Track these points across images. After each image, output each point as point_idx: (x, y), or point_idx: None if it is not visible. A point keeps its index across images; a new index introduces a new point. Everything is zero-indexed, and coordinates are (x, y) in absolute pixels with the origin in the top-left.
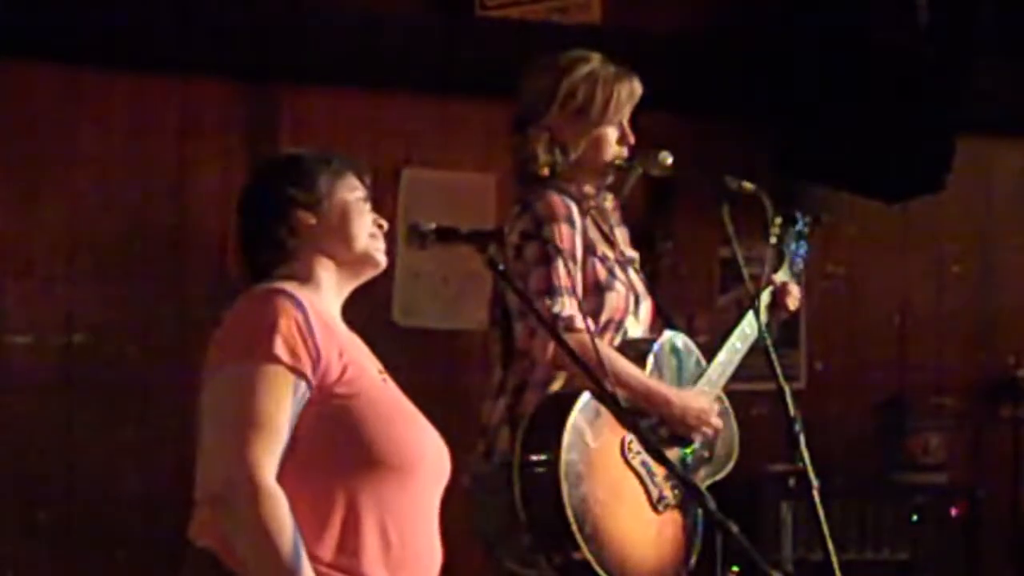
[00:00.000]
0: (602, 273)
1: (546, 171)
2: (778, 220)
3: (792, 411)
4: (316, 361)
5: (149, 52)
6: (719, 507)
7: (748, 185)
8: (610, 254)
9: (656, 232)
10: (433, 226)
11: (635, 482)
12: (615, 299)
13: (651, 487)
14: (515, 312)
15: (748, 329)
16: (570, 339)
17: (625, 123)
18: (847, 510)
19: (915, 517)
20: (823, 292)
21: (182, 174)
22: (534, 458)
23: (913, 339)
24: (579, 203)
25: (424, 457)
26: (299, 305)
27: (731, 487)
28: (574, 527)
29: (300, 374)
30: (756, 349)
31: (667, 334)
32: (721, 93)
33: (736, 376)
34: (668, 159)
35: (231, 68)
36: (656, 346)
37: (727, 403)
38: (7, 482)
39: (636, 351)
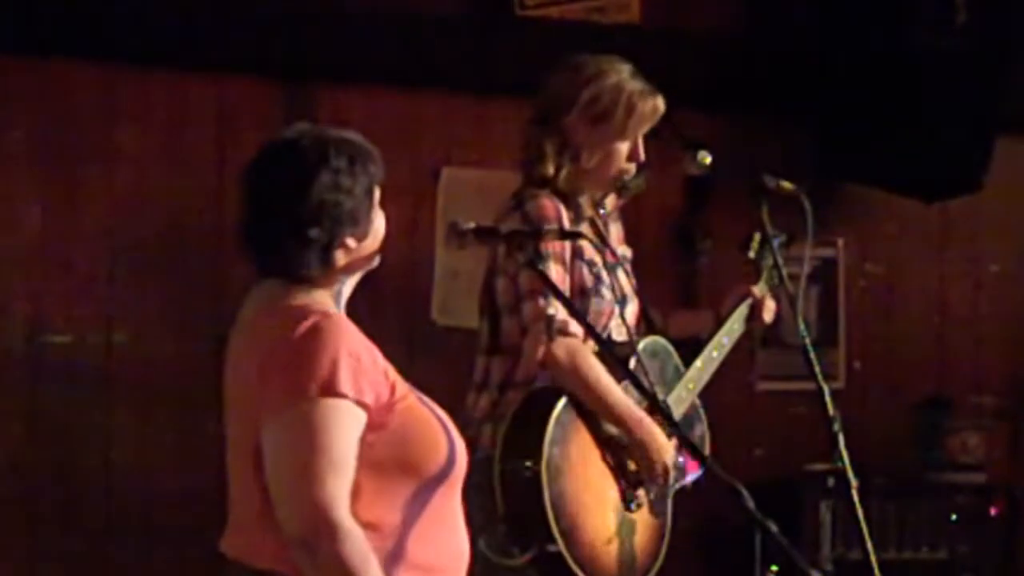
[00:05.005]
0: (588, 278)
1: (551, 170)
2: (756, 236)
3: (831, 410)
4: (371, 387)
5: (187, 50)
6: (758, 506)
7: (786, 184)
8: (598, 259)
9: (694, 231)
10: (472, 225)
11: (610, 481)
12: (599, 305)
13: (626, 487)
14: (504, 307)
15: (726, 340)
16: (561, 343)
17: (640, 140)
18: (886, 509)
19: (954, 516)
20: (861, 291)
21: (220, 172)
22: (517, 450)
23: (952, 338)
24: (572, 209)
25: (462, 461)
26: (348, 330)
27: (770, 486)
28: (552, 520)
29: (363, 405)
30: (795, 347)
31: (649, 338)
32: (760, 92)
33: (774, 375)
34: (707, 158)
35: (269, 66)
36: (639, 349)
37: (701, 409)
38: (46, 480)
39: (619, 354)
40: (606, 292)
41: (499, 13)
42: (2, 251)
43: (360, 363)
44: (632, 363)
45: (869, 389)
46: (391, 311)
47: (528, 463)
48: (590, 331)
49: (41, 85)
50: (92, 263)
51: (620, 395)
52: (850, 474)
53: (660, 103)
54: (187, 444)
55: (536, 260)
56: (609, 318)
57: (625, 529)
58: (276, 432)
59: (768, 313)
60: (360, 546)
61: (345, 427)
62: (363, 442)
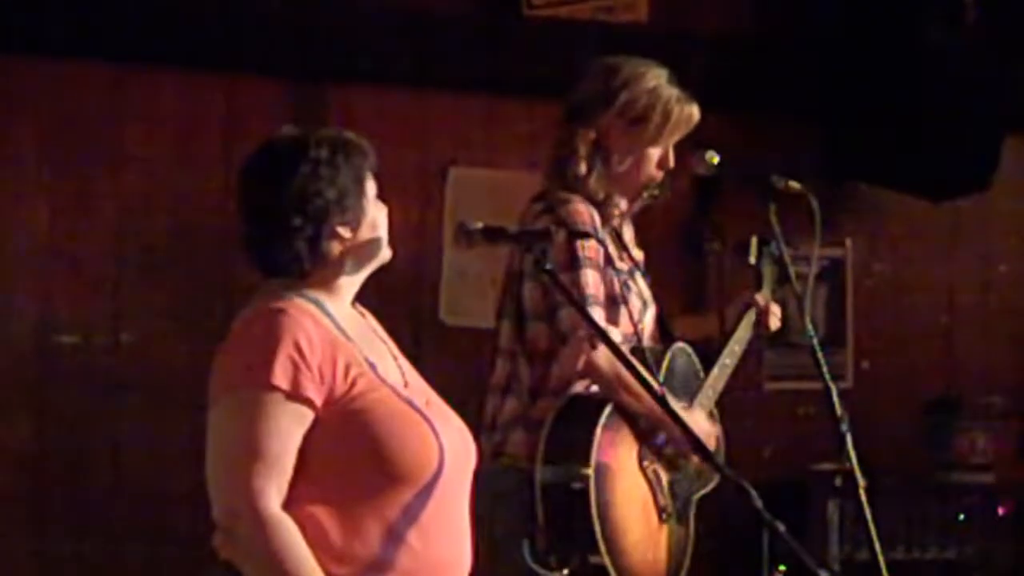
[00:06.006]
0: (617, 286)
1: (583, 170)
2: (754, 240)
3: (839, 410)
4: (319, 382)
5: (196, 50)
6: (766, 506)
7: (795, 185)
8: (623, 266)
9: (702, 231)
10: (480, 225)
11: (647, 491)
12: (628, 313)
13: (659, 497)
14: (532, 312)
15: (737, 348)
16: (602, 352)
17: (671, 148)
18: (894, 509)
19: (962, 516)
20: (869, 291)
21: (229, 172)
22: (562, 458)
23: (960, 338)
24: (602, 214)
25: (445, 463)
26: (300, 325)
27: (778, 486)
28: (598, 532)
29: (301, 399)
30: (803, 347)
31: (677, 345)
32: (768, 92)
33: (783, 375)
34: (715, 158)
35: (278, 66)
36: (669, 355)
37: (716, 416)
38: (54, 480)
39: (649, 360)
40: (635, 300)
41: (507, 13)
42: (11, 251)
43: (304, 358)
44: (663, 369)
45: (877, 389)
46: (399, 311)
47: (578, 471)
48: (604, 338)
49: (50, 85)
50: (100, 263)
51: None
52: (858, 474)
53: (695, 111)
54: (195, 444)
55: (574, 264)
56: (636, 327)
57: (660, 539)
58: (211, 422)
59: (773, 319)
60: (286, 537)
61: (275, 420)
62: (316, 440)
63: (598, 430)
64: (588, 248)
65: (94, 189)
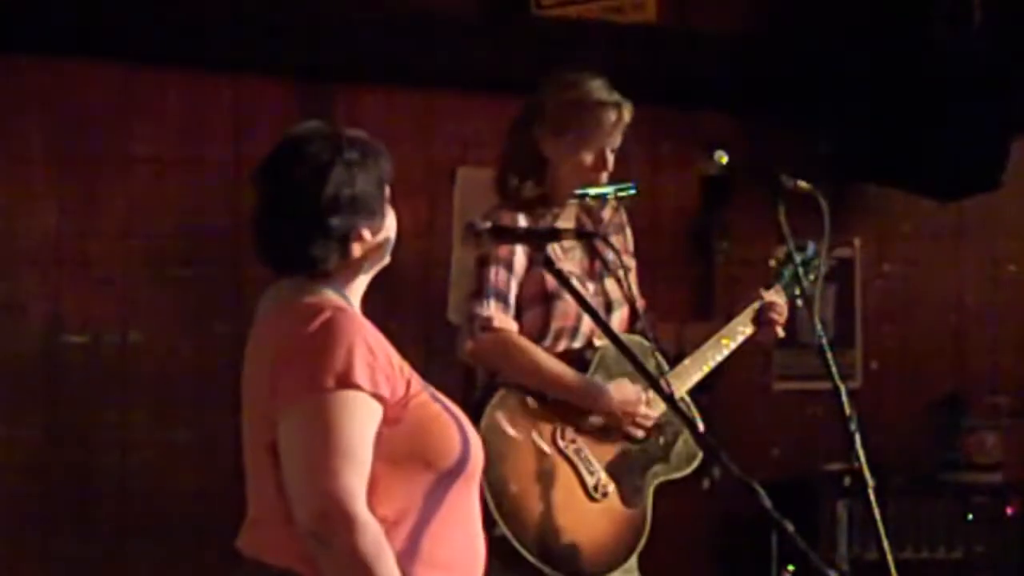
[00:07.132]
0: (550, 283)
1: (515, 182)
2: (784, 248)
3: (848, 410)
4: (386, 381)
5: (203, 51)
6: (774, 505)
7: (804, 184)
8: (575, 268)
9: (711, 231)
10: (488, 225)
11: (567, 469)
12: (563, 307)
13: (585, 475)
14: None
15: (726, 341)
16: (485, 337)
17: (608, 151)
18: (902, 509)
19: (970, 516)
20: (878, 291)
21: (236, 173)
22: None
23: (969, 338)
24: (538, 220)
25: (477, 458)
26: (363, 324)
27: (787, 485)
28: (491, 504)
29: (379, 399)
30: (812, 347)
31: (621, 336)
32: (776, 92)
33: (791, 375)
34: (723, 158)
35: (285, 67)
36: (600, 350)
37: (691, 407)
38: (62, 479)
39: (578, 356)
40: (571, 298)
41: (515, 12)
42: (19, 251)
43: (375, 357)
44: (593, 364)
45: (886, 389)
46: (407, 311)
47: None
48: (599, 322)
49: (58, 85)
50: (108, 263)
51: (562, 368)
52: (867, 474)
53: (625, 113)
54: (203, 443)
55: (483, 262)
56: (578, 321)
57: (590, 517)
58: (291, 424)
59: (778, 316)
60: (374, 538)
61: (360, 419)
62: (379, 436)
63: (486, 411)
64: (501, 247)
65: (102, 188)
